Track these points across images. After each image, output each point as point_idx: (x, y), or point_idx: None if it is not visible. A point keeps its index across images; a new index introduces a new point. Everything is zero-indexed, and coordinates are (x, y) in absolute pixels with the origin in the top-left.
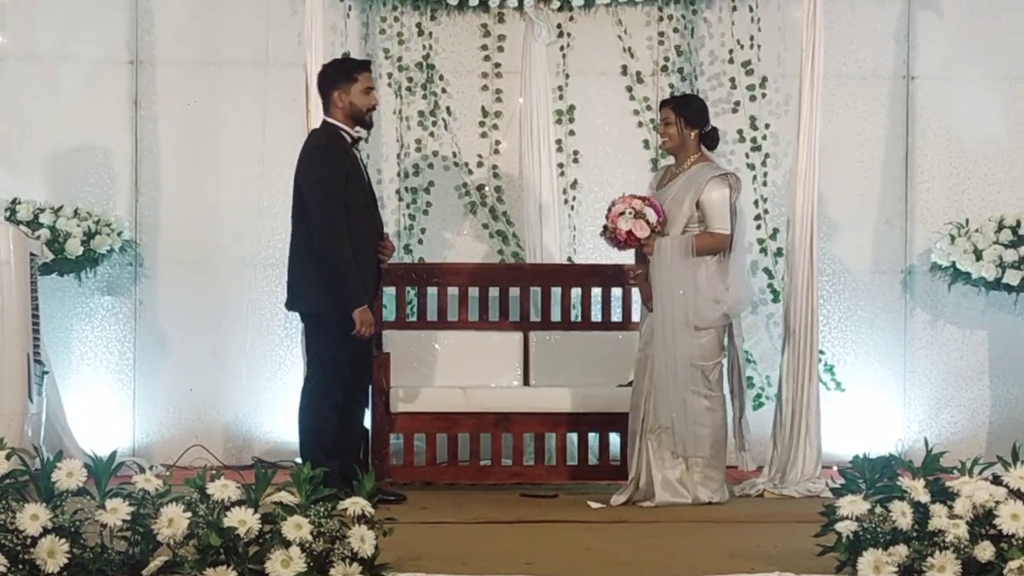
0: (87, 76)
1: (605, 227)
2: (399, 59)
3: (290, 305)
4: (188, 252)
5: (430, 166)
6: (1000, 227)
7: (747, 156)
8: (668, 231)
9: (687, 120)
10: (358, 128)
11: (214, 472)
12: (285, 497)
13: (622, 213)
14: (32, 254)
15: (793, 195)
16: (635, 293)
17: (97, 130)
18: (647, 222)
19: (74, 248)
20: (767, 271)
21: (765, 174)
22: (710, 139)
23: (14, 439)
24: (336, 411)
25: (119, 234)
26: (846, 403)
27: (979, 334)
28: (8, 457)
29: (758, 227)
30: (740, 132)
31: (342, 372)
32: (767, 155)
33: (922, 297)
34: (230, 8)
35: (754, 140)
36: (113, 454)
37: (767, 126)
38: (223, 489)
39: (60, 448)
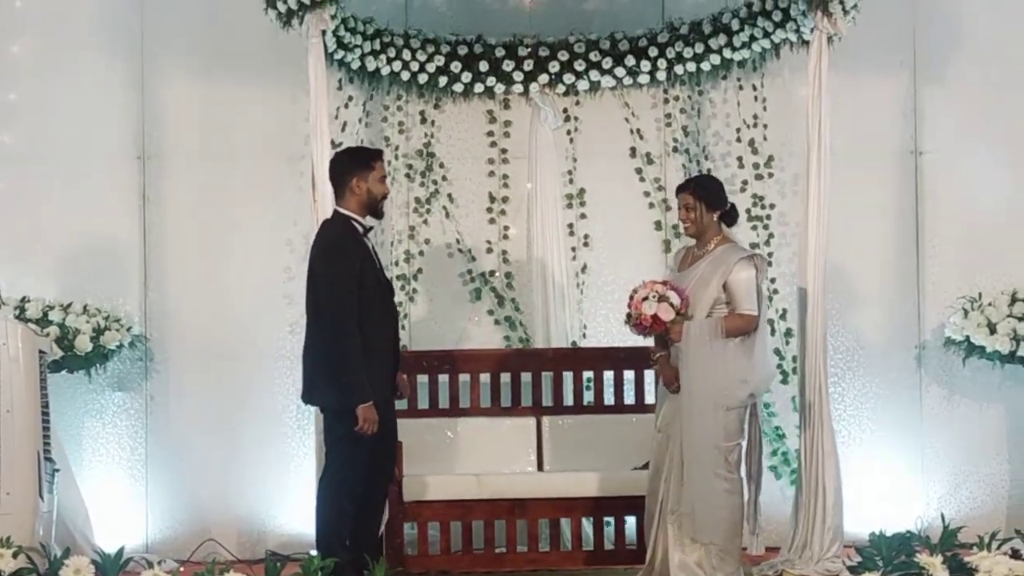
0: (95, 172)
1: (629, 314)
2: (396, 147)
3: (306, 398)
4: (198, 345)
5: (421, 253)
6: (1014, 300)
7: (756, 233)
8: (693, 313)
9: (708, 203)
10: (369, 217)
11: (223, 566)
12: None
13: (645, 298)
14: (41, 351)
15: (804, 272)
16: (648, 375)
17: (106, 225)
18: (671, 305)
19: (83, 344)
20: (777, 352)
21: (771, 254)
22: (729, 217)
23: (25, 538)
24: (353, 503)
25: (128, 329)
26: (863, 480)
27: (996, 408)
28: (15, 555)
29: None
30: (748, 211)
31: (359, 463)
32: (771, 235)
33: (937, 372)
34: (236, 101)
35: (760, 219)
36: (121, 550)
37: (772, 206)
38: None
39: (73, 547)
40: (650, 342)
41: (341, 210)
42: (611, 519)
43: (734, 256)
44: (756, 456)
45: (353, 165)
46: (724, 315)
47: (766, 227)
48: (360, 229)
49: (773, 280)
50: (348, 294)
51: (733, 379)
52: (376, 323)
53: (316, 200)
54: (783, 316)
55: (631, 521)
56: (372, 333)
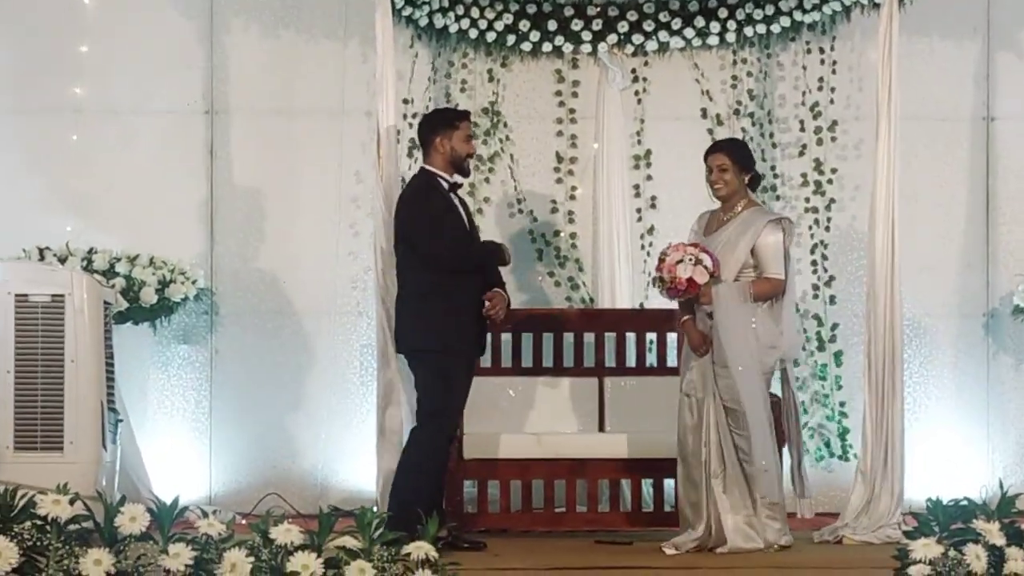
0: (163, 127)
1: (661, 278)
2: (457, 105)
3: (397, 347)
4: (264, 301)
5: (480, 211)
6: None
7: (807, 200)
8: (721, 277)
9: (742, 165)
10: (456, 176)
11: (277, 518)
12: (348, 541)
13: (679, 261)
14: (106, 302)
15: (872, 238)
16: None
17: (173, 180)
18: (705, 268)
19: (148, 296)
20: (817, 318)
21: (828, 219)
22: (755, 182)
23: (87, 487)
24: (446, 448)
25: (194, 282)
26: (929, 449)
27: None
28: (72, 502)
29: (814, 271)
30: (804, 176)
31: (451, 406)
32: (832, 200)
33: (1005, 340)
34: (304, 57)
35: (818, 184)
36: (176, 499)
37: (834, 170)
38: (286, 534)
39: (136, 496)
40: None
41: (427, 167)
42: (671, 480)
43: (762, 219)
44: (794, 420)
45: (438, 124)
46: (752, 279)
47: (823, 192)
48: (445, 184)
49: (825, 245)
50: (439, 229)
51: (763, 345)
52: (462, 278)
53: (381, 156)
54: (828, 283)
55: None
56: (458, 289)
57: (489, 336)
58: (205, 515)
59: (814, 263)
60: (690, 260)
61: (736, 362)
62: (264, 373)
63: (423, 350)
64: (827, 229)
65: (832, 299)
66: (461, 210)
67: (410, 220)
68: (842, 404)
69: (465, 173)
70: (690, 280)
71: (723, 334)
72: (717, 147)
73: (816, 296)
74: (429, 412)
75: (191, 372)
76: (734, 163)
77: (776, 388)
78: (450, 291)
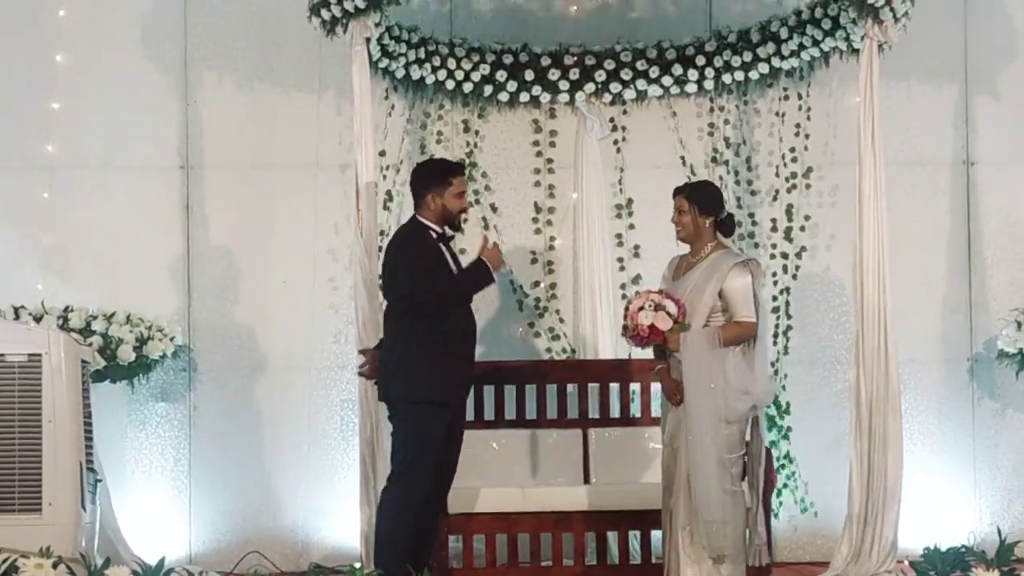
0: (137, 182)
1: (625, 326)
2: (432, 156)
3: (383, 395)
4: (242, 356)
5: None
6: None
7: (773, 247)
8: (690, 322)
9: (700, 207)
10: (446, 228)
11: None
12: None
13: (641, 308)
14: (84, 361)
15: (860, 284)
16: None
17: (149, 236)
18: (668, 313)
19: (126, 354)
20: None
21: (797, 267)
22: (726, 226)
23: (68, 549)
24: (413, 512)
25: (171, 339)
26: (916, 495)
27: None
28: (55, 566)
29: (776, 320)
30: (773, 221)
31: (424, 470)
32: (803, 247)
33: (989, 385)
34: (279, 112)
35: (788, 231)
36: (162, 561)
37: (807, 217)
38: None
39: (115, 557)
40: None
41: (418, 217)
42: (659, 532)
43: (728, 262)
44: (758, 467)
45: (430, 179)
46: (721, 324)
47: (791, 239)
48: (434, 235)
49: (788, 292)
50: (427, 273)
51: (735, 391)
52: (453, 325)
53: (361, 209)
54: (786, 332)
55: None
56: (449, 334)
57: (472, 389)
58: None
59: (776, 310)
60: (650, 307)
61: (693, 410)
62: (243, 429)
63: (403, 400)
64: (794, 277)
65: (786, 349)
66: (451, 261)
67: (397, 267)
68: (786, 456)
69: (456, 228)
70: (651, 327)
71: (687, 381)
72: (679, 189)
73: (775, 343)
74: (400, 470)
75: (169, 430)
76: (692, 205)
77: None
78: (437, 340)
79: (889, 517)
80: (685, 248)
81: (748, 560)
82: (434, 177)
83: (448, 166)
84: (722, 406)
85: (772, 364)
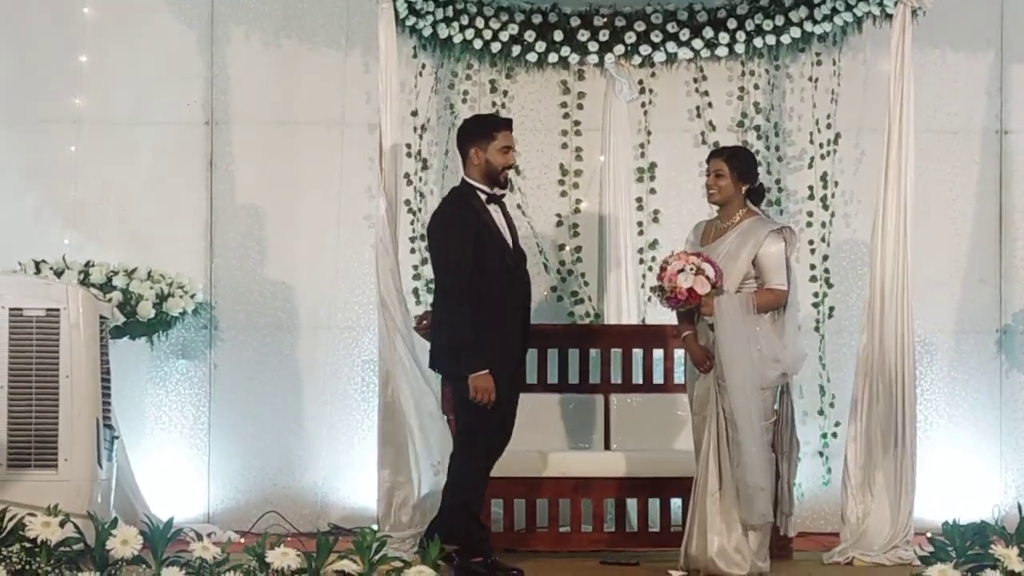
0: (163, 138)
1: (661, 287)
2: (457, 117)
3: (431, 363)
4: (264, 314)
5: None
6: None
7: (810, 215)
8: (724, 288)
9: (740, 174)
10: (495, 187)
11: (275, 539)
12: (347, 565)
13: (681, 270)
14: (103, 317)
15: (882, 253)
16: None
17: (172, 192)
18: (707, 278)
19: (146, 311)
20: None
21: (830, 233)
22: (757, 194)
23: (83, 505)
24: (483, 476)
25: (192, 296)
26: (940, 468)
27: None
28: (62, 524)
29: (817, 287)
30: (810, 188)
31: (485, 435)
32: (833, 213)
33: (1018, 357)
34: (305, 68)
35: (823, 199)
36: (170, 521)
37: (836, 184)
38: (283, 557)
39: (132, 515)
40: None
41: (466, 178)
42: (678, 500)
43: (763, 229)
44: (788, 435)
45: (473, 134)
46: (752, 290)
47: (827, 207)
48: (483, 197)
49: (826, 258)
50: (458, 265)
51: (765, 358)
52: (499, 294)
53: (384, 169)
54: (824, 299)
55: None
56: (495, 304)
57: None
58: (200, 537)
59: (812, 279)
60: (691, 270)
61: (733, 377)
62: (264, 389)
63: (455, 376)
64: (828, 244)
65: (832, 311)
66: (502, 223)
67: (434, 244)
68: (836, 424)
69: (503, 185)
70: (690, 290)
71: (723, 347)
72: (717, 152)
73: (818, 313)
74: (463, 437)
75: (189, 388)
76: (731, 171)
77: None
78: (484, 314)
79: (907, 490)
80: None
81: (781, 530)
82: (478, 131)
83: (494, 120)
84: (755, 373)
85: (816, 328)
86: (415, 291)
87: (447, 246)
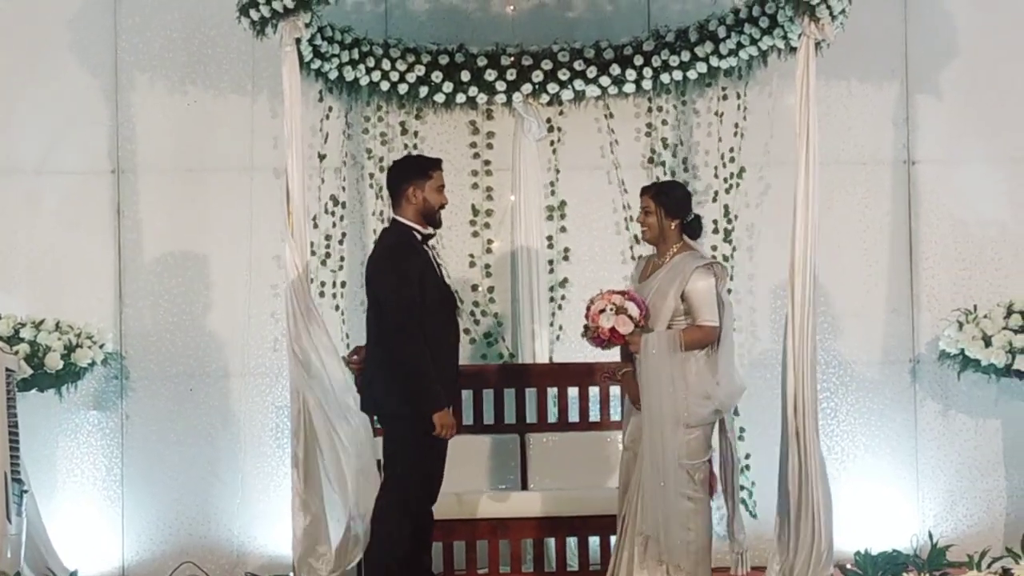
0: (68, 187)
1: (587, 327)
2: (381, 159)
3: (365, 406)
4: (176, 363)
5: None
6: (1009, 312)
7: (713, 248)
8: (653, 325)
9: (667, 210)
10: (428, 226)
11: None
12: None
13: (603, 310)
14: (9, 369)
15: (792, 286)
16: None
17: (80, 241)
18: (630, 317)
19: (54, 362)
20: None
21: (733, 267)
22: (692, 228)
23: None
24: (410, 517)
25: (101, 347)
26: (859, 498)
27: (992, 423)
28: None
29: None
30: (715, 223)
31: (420, 477)
32: (734, 248)
33: (932, 387)
34: (211, 114)
35: (727, 232)
36: (74, 574)
37: (735, 217)
38: None
39: (44, 569)
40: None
41: (398, 219)
42: (596, 538)
43: (691, 264)
44: (730, 473)
45: (409, 173)
46: (683, 327)
47: (730, 241)
48: (418, 237)
49: (729, 292)
50: (409, 303)
51: (695, 395)
52: (440, 332)
53: (291, 213)
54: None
55: (615, 540)
56: (435, 342)
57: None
58: None
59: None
60: (611, 310)
61: (649, 414)
62: (177, 438)
63: (402, 417)
64: (732, 278)
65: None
66: (435, 264)
67: (383, 287)
68: (747, 456)
69: (436, 224)
70: (612, 330)
71: (643, 384)
72: (645, 189)
73: None
74: (394, 479)
75: (101, 439)
76: (658, 207)
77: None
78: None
79: (821, 522)
80: (645, 250)
81: (735, 569)
82: (414, 170)
83: (427, 160)
84: (682, 410)
85: None
86: None
87: (399, 285)
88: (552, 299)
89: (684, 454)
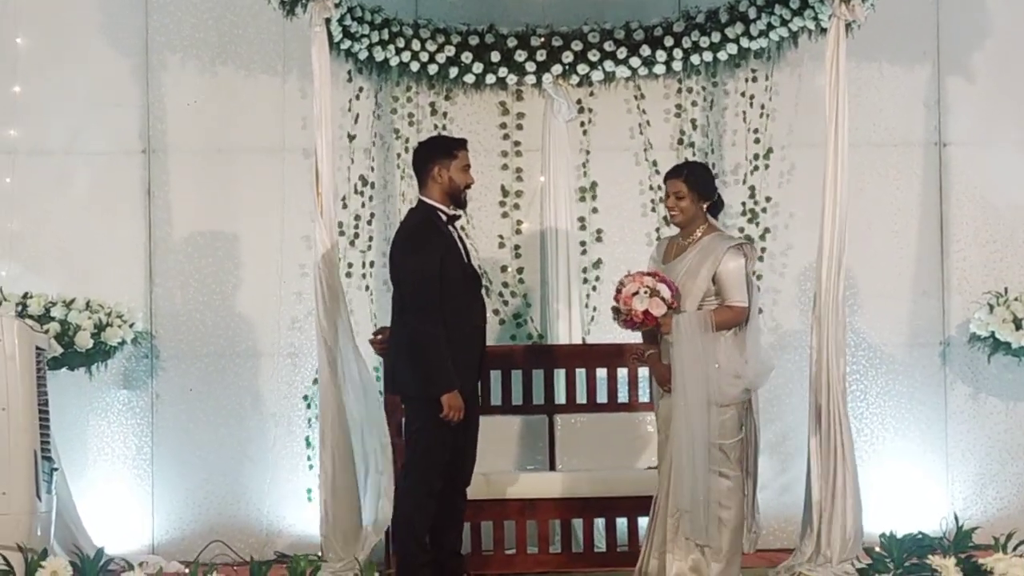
0: (99, 167)
1: (618, 309)
2: (407, 140)
3: (389, 387)
4: (206, 343)
5: None
6: None
7: (741, 230)
8: (683, 306)
9: (699, 191)
10: (454, 207)
11: (207, 567)
12: None
13: (635, 293)
14: (39, 348)
15: (819, 267)
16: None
17: (110, 221)
18: (662, 299)
19: (83, 341)
20: None
21: (763, 248)
22: (716, 207)
23: (23, 538)
24: (433, 498)
25: (131, 326)
26: (888, 481)
27: (1022, 407)
28: None
29: None
30: (744, 204)
31: (440, 458)
32: (767, 229)
33: (962, 369)
34: (241, 94)
35: (752, 212)
36: (100, 551)
37: (768, 198)
38: None
39: (72, 547)
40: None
41: (424, 199)
42: (624, 520)
43: (722, 245)
44: (752, 452)
45: (435, 153)
46: (713, 307)
47: (757, 221)
48: (443, 218)
49: (759, 276)
50: (428, 282)
51: (726, 375)
52: (463, 313)
53: (320, 193)
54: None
55: (644, 522)
56: (458, 323)
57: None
58: (130, 567)
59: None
60: (645, 292)
61: (682, 395)
62: (207, 417)
63: (418, 398)
64: (761, 259)
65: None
66: (460, 245)
67: (404, 263)
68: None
69: (462, 205)
70: (646, 312)
71: (676, 365)
72: (674, 172)
73: None
74: (414, 460)
75: (131, 418)
76: (691, 190)
77: None
78: (448, 333)
79: (850, 504)
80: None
81: (746, 547)
82: (440, 150)
83: (453, 139)
84: (714, 391)
85: None
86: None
87: (419, 265)
88: (586, 280)
89: (718, 434)
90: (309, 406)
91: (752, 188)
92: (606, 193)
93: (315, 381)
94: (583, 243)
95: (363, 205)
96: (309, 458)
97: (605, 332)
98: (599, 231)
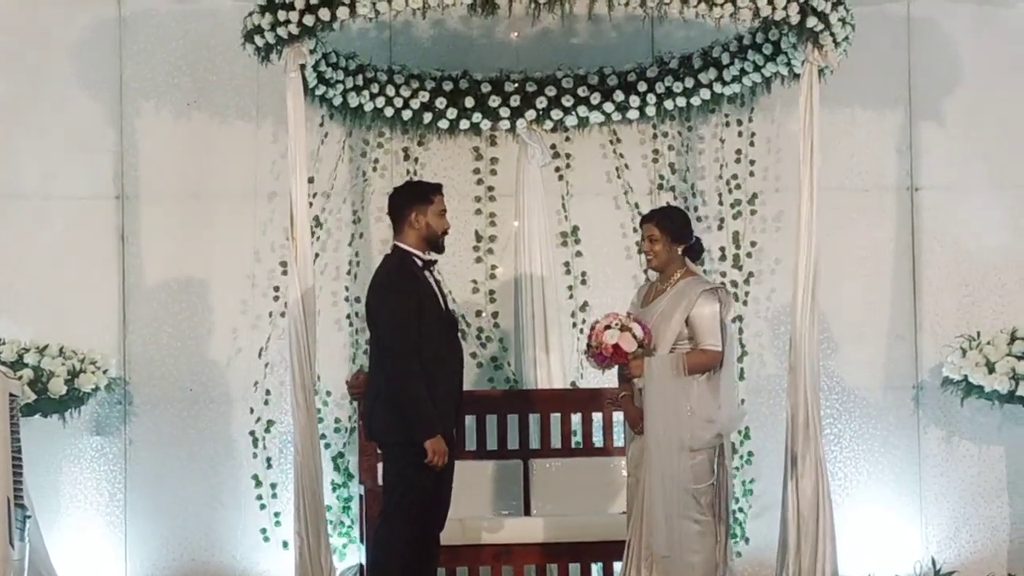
0: (73, 212)
1: (589, 345)
2: (373, 187)
3: (368, 434)
4: (179, 388)
5: None
6: (1013, 338)
7: (723, 275)
8: (656, 349)
9: (672, 235)
10: (430, 252)
11: None
12: None
13: (607, 327)
14: (12, 395)
15: (794, 311)
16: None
17: (84, 267)
18: (634, 336)
19: (57, 387)
20: None
21: (747, 293)
22: (694, 251)
23: None
24: (411, 544)
25: (105, 372)
26: (863, 524)
27: (996, 450)
28: None
29: None
30: (722, 249)
31: (418, 504)
32: (750, 273)
33: (935, 413)
34: (215, 140)
35: (736, 258)
36: None
37: (753, 244)
38: None
39: None
40: None
41: (400, 244)
42: (599, 565)
43: (696, 289)
44: (724, 496)
45: (411, 199)
46: (686, 351)
47: (740, 267)
48: (419, 263)
49: (742, 319)
50: (405, 326)
51: (698, 419)
52: (441, 357)
53: (296, 238)
54: (740, 358)
55: (618, 567)
56: (435, 368)
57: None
58: None
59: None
60: (617, 326)
61: (653, 438)
62: (180, 464)
63: (397, 444)
64: (744, 303)
65: (741, 373)
66: (436, 289)
67: (381, 309)
68: (751, 481)
69: (440, 250)
70: (616, 346)
71: (649, 408)
72: (648, 217)
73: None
74: (392, 506)
75: (104, 464)
76: (663, 233)
77: None
78: (426, 378)
79: (828, 550)
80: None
81: None
82: (416, 195)
83: (428, 185)
84: (686, 435)
85: None
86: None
87: (395, 309)
88: (574, 324)
89: (690, 478)
90: (284, 451)
91: (735, 233)
92: (588, 236)
93: (270, 424)
94: (570, 287)
95: (336, 249)
96: (260, 497)
97: (595, 377)
98: (584, 274)
